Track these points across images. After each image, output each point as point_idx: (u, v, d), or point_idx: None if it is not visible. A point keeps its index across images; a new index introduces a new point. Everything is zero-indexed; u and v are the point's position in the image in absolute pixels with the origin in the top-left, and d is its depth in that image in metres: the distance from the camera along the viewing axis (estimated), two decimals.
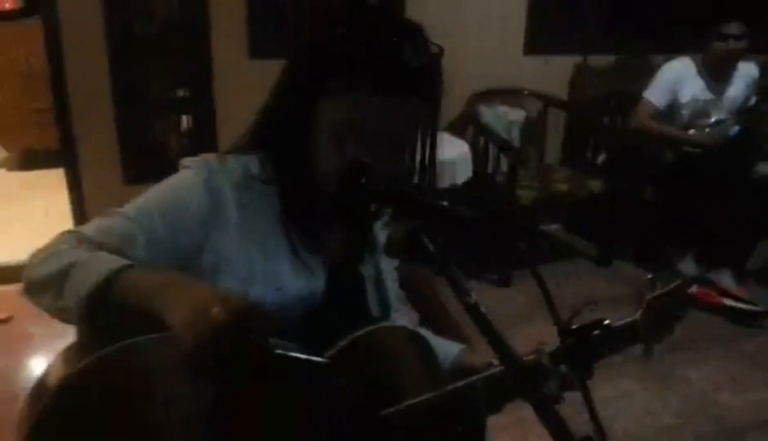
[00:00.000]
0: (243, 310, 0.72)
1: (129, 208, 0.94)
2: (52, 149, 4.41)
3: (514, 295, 3.13)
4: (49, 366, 0.82)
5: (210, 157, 0.99)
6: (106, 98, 3.07)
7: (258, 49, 3.13)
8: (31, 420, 0.74)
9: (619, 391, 2.48)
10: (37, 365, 2.53)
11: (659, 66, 3.47)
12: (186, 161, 0.99)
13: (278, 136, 0.97)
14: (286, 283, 0.96)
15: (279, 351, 0.83)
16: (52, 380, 0.78)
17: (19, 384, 2.40)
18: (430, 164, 0.99)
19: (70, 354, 0.83)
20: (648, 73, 3.81)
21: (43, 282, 0.84)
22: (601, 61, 3.77)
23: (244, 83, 3.12)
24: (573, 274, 3.40)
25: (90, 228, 0.92)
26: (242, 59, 3.13)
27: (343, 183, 0.85)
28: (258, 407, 0.82)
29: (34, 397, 0.78)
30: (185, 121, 3.50)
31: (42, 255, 0.87)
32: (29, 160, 4.83)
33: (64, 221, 3.33)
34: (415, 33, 0.91)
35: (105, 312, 0.80)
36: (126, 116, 3.14)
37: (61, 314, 0.85)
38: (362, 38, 0.88)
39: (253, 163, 0.98)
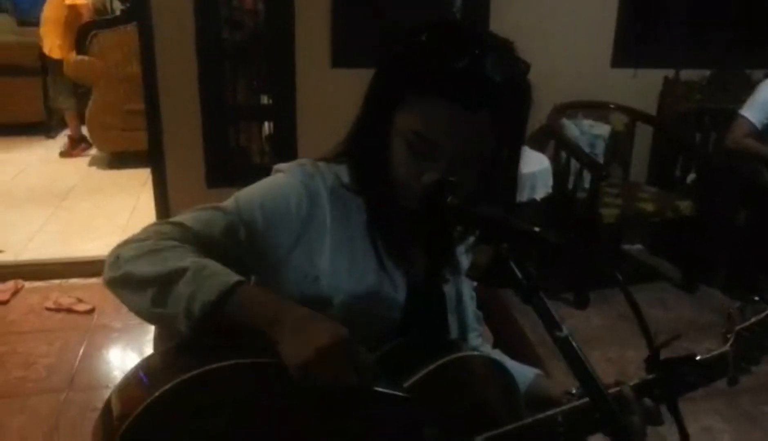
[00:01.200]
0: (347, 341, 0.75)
1: (228, 202, 0.95)
2: (141, 150, 4.64)
3: (591, 317, 3.03)
4: (122, 384, 0.80)
5: (304, 161, 0.99)
6: (194, 103, 3.17)
7: (340, 58, 3.16)
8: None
9: (701, 427, 2.34)
10: (117, 358, 2.64)
11: (758, 81, 3.27)
12: (280, 166, 1.00)
13: (362, 147, 0.96)
14: (369, 294, 0.95)
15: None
16: (128, 402, 0.76)
17: (99, 375, 2.50)
18: (512, 183, 0.96)
19: (142, 375, 0.81)
20: (745, 88, 3.60)
21: (141, 280, 0.82)
22: (693, 74, 3.59)
23: (325, 92, 3.17)
24: (656, 299, 3.26)
25: (189, 219, 0.92)
26: (324, 68, 3.17)
27: (429, 200, 0.83)
28: (332, 434, 0.81)
29: (107, 416, 0.77)
30: (267, 127, 3.58)
31: (138, 247, 0.85)
32: (119, 160, 5.07)
33: (149, 219, 3.44)
34: (499, 47, 0.88)
35: (210, 325, 0.80)
36: (211, 121, 3.23)
37: (152, 321, 0.85)
38: (442, 48, 0.85)
39: (343, 172, 0.98)
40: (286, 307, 0.80)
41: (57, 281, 3.20)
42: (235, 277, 0.81)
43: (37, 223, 3.83)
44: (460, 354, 0.92)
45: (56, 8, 5.11)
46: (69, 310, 2.91)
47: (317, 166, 0.99)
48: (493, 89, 0.83)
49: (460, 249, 1.07)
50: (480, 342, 1.19)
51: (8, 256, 3.36)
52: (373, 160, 0.93)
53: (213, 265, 0.83)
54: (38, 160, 5.31)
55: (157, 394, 0.72)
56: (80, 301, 2.97)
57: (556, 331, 0.64)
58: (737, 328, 1.12)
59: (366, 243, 0.97)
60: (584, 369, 0.64)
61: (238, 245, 0.92)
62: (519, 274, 0.67)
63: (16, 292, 3.06)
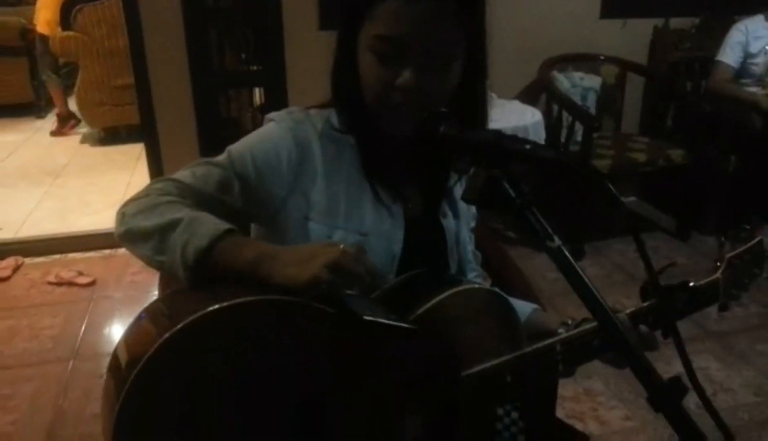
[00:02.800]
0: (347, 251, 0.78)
1: (221, 157, 0.98)
2: (132, 125, 4.62)
3: (587, 269, 3.06)
4: (127, 334, 0.82)
5: (294, 109, 1.02)
6: (183, 74, 3.14)
7: (327, 20, 3.14)
8: (121, 387, 0.73)
9: (695, 367, 2.38)
10: (119, 327, 2.66)
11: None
12: (271, 114, 1.02)
13: (340, 80, 0.98)
14: (368, 228, 0.98)
15: (368, 317, 0.84)
16: (135, 349, 0.77)
17: (103, 344, 2.54)
18: (482, 100, 0.99)
19: (142, 326, 0.83)
20: None
21: (144, 233, 0.86)
22: (682, 23, 3.58)
23: (314, 54, 3.14)
24: (651, 247, 3.30)
25: (185, 175, 0.95)
26: (312, 31, 3.15)
27: (421, 132, 0.85)
28: (339, 369, 0.83)
29: (115, 368, 0.78)
30: (258, 96, 3.56)
31: (139, 204, 0.90)
32: (110, 136, 5.05)
33: None
34: None
35: (206, 272, 0.83)
36: (202, 91, 3.21)
37: (158, 267, 0.88)
38: None
39: (333, 115, 1.01)
40: (275, 247, 0.84)
41: (57, 256, 3.22)
42: (225, 225, 0.85)
43: (32, 201, 3.84)
44: (462, 287, 0.94)
45: None
46: (70, 284, 2.94)
47: (307, 112, 1.01)
48: None
49: (455, 185, 1.09)
50: (480, 282, 1.21)
51: (7, 234, 3.38)
52: (352, 88, 0.95)
53: (205, 216, 0.87)
54: (29, 140, 5.29)
55: (166, 336, 0.72)
56: (81, 274, 2.99)
57: (548, 241, 0.66)
58: (728, 256, 1.15)
59: (360, 179, 0.99)
60: (579, 279, 0.66)
61: (234, 197, 0.95)
62: (512, 193, 0.69)
63: (17, 269, 3.09)
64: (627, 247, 3.28)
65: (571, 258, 0.66)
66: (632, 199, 3.88)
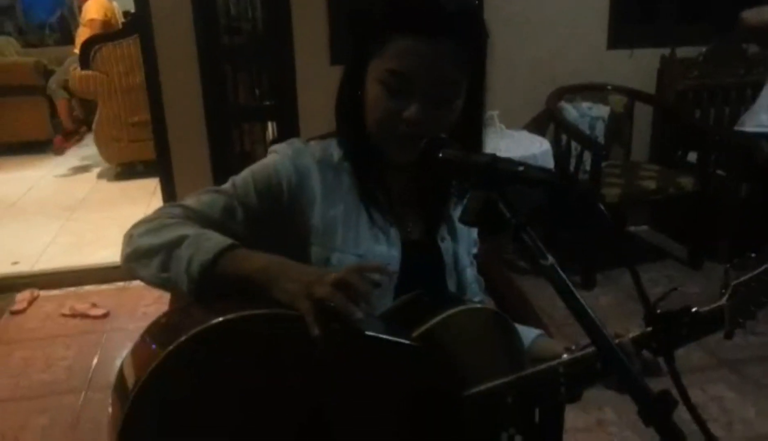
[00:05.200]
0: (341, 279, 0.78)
1: (226, 186, 1.02)
2: (148, 160, 4.71)
3: (598, 297, 3.05)
4: (131, 352, 0.84)
5: (295, 140, 1.07)
6: (198, 110, 3.21)
7: (338, 55, 3.20)
8: (124, 409, 0.75)
9: (710, 396, 2.36)
10: None
11: (754, 54, 3.29)
12: (274, 147, 1.07)
13: (346, 112, 1.03)
14: (364, 251, 1.01)
15: (369, 332, 0.85)
16: (138, 366, 0.79)
17: (113, 377, 2.53)
18: (479, 120, 1.03)
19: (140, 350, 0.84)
20: (742, 62, 3.63)
21: (150, 250, 0.90)
22: (689, 51, 3.60)
23: (326, 89, 3.18)
24: (663, 276, 3.28)
25: (192, 201, 1.00)
26: (324, 66, 3.21)
27: (422, 158, 0.88)
28: (342, 385, 0.84)
29: (120, 384, 0.80)
30: (271, 131, 3.62)
31: (148, 225, 0.94)
32: (127, 171, 5.14)
33: None
34: None
35: (210, 285, 0.85)
36: (216, 127, 3.28)
37: (163, 285, 0.91)
38: None
39: (332, 145, 1.06)
40: (275, 258, 0.87)
41: (71, 289, 3.27)
42: (229, 241, 0.88)
43: (49, 235, 3.90)
44: (464, 307, 0.96)
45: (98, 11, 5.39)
46: (84, 316, 2.97)
47: (307, 143, 1.07)
48: (447, 17, 0.92)
49: (453, 209, 1.11)
50: (481, 302, 1.22)
51: (23, 267, 3.43)
52: (355, 117, 1.00)
53: (211, 233, 0.90)
54: (47, 176, 5.39)
55: (168, 349, 0.75)
56: (95, 306, 3.03)
57: (542, 260, 0.68)
58: (733, 283, 1.15)
59: (357, 204, 1.03)
60: (573, 296, 0.67)
61: (237, 223, 0.99)
62: (507, 214, 0.71)
63: (32, 301, 3.13)
64: (641, 275, 3.25)
65: (564, 276, 0.67)
66: (643, 227, 3.87)
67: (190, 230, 0.90)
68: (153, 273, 0.89)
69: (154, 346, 0.80)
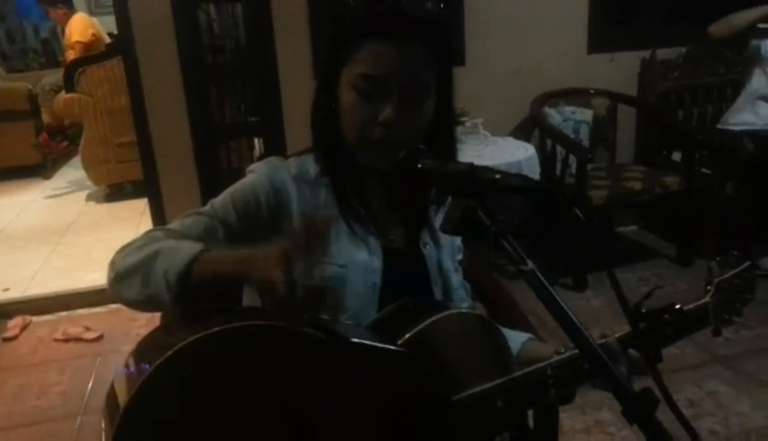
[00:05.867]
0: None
1: (206, 208, 1.04)
2: (136, 180, 4.70)
3: (590, 299, 3.08)
4: (116, 376, 0.83)
5: (272, 158, 1.10)
6: (184, 129, 3.22)
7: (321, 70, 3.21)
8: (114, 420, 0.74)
9: (705, 392, 2.38)
10: None
11: (734, 55, 3.34)
12: (251, 166, 1.10)
13: (321, 124, 1.05)
14: (345, 261, 1.03)
15: (355, 339, 0.86)
16: (128, 387, 0.78)
17: None
18: (451, 126, 1.06)
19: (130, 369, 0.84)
20: (722, 62, 3.68)
21: (130, 271, 0.91)
22: (669, 53, 3.66)
23: (309, 103, 3.21)
24: (653, 275, 3.31)
25: (175, 225, 1.02)
26: (307, 80, 3.23)
27: (400, 170, 0.90)
28: (330, 394, 0.85)
29: (111, 400, 0.80)
30: (258, 148, 3.63)
31: (128, 249, 0.95)
32: (115, 192, 5.13)
33: None
34: None
35: (189, 293, 0.87)
36: (202, 144, 3.29)
37: (148, 302, 0.91)
38: (365, 2, 1.00)
39: (309, 160, 1.09)
40: (244, 250, 0.87)
41: (63, 313, 3.25)
42: (199, 247, 0.89)
43: (39, 261, 3.88)
44: (449, 312, 0.97)
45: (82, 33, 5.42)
46: (77, 339, 2.96)
47: (283, 160, 1.10)
48: (417, 24, 0.97)
49: (437, 217, 1.13)
50: (467, 307, 1.23)
51: (14, 293, 3.40)
52: (331, 128, 1.02)
53: (184, 243, 0.92)
54: (36, 201, 5.36)
55: (151, 369, 0.74)
56: (88, 329, 3.01)
57: (522, 265, 0.69)
58: (716, 280, 1.17)
59: (337, 216, 1.05)
60: (554, 301, 0.68)
61: (219, 242, 1.00)
62: (487, 221, 0.72)
63: (24, 327, 3.11)
64: (631, 274, 3.29)
65: (544, 280, 0.69)
66: (632, 228, 3.91)
67: (164, 244, 0.92)
68: (137, 291, 0.91)
69: (142, 364, 0.80)
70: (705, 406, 2.30)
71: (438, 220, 1.13)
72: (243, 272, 0.84)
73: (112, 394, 0.80)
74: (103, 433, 0.77)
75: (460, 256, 1.20)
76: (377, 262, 1.05)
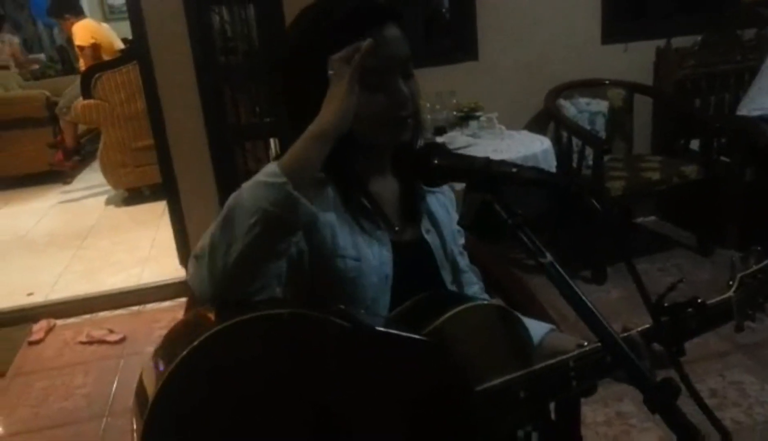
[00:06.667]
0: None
1: None
2: (154, 184, 4.75)
3: (609, 291, 3.06)
4: (145, 367, 0.85)
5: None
6: (200, 132, 3.25)
7: None
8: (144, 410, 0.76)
9: (728, 382, 2.36)
10: None
11: (749, 40, 3.30)
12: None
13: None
14: (361, 254, 1.03)
15: (380, 327, 0.86)
16: (156, 377, 0.79)
17: (132, 401, 2.57)
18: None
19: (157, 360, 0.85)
20: (738, 48, 3.63)
21: (212, 242, 0.86)
22: (684, 41, 3.62)
23: None
24: (673, 265, 3.28)
25: None
26: None
27: (416, 167, 0.91)
28: (354, 383, 0.85)
29: (140, 393, 0.82)
30: (273, 148, 3.65)
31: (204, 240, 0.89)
32: (134, 196, 5.19)
33: (169, 250, 3.56)
34: None
35: (285, 216, 0.85)
36: (218, 146, 3.31)
37: (244, 257, 0.84)
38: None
39: None
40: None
41: (87, 316, 3.30)
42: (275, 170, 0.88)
43: (61, 265, 3.94)
44: (470, 303, 0.97)
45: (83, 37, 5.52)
46: (101, 342, 3.00)
47: None
48: (384, 6, 1.04)
49: (437, 200, 1.16)
50: (487, 298, 1.24)
51: (38, 298, 3.46)
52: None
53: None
54: (56, 207, 5.44)
55: (182, 354, 0.75)
56: (111, 331, 3.06)
57: (541, 258, 0.69)
58: (740, 275, 1.16)
59: (344, 213, 1.05)
60: (572, 291, 0.68)
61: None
62: (504, 214, 0.73)
63: (49, 330, 3.16)
64: (650, 265, 3.26)
65: (563, 272, 0.69)
66: (651, 218, 3.88)
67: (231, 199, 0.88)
68: (222, 256, 0.84)
69: (169, 355, 0.81)
70: (728, 396, 2.28)
71: (434, 203, 1.16)
72: (328, 127, 0.87)
73: (140, 387, 0.82)
74: (134, 422, 0.79)
75: (462, 240, 1.21)
76: (387, 254, 1.06)
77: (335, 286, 1.02)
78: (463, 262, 1.20)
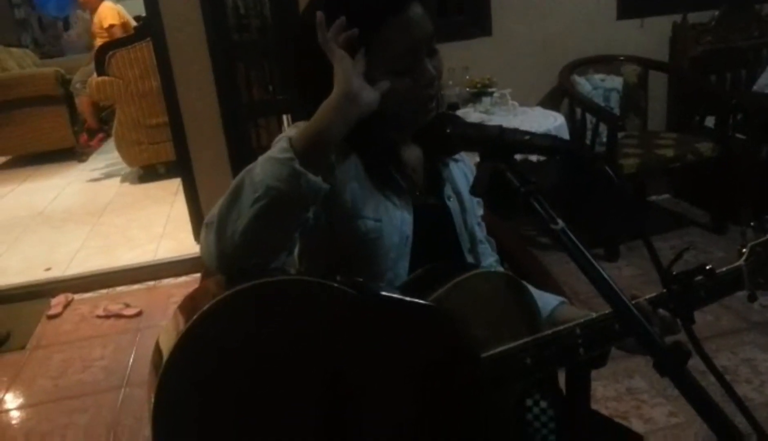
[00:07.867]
0: None
1: None
2: (169, 161, 4.79)
3: (621, 268, 3.06)
4: (162, 331, 0.87)
5: (301, 123, 1.07)
6: (213, 109, 3.27)
7: None
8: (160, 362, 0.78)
9: (740, 359, 2.36)
10: None
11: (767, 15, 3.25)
12: (281, 136, 1.08)
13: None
14: (382, 215, 1.04)
15: (384, 293, 0.87)
16: (169, 338, 0.82)
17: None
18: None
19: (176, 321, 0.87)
20: (756, 24, 3.58)
21: (220, 213, 0.86)
22: (701, 16, 3.56)
23: None
24: (688, 242, 3.27)
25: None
26: None
27: (430, 136, 0.91)
28: (361, 349, 0.87)
29: (156, 354, 0.84)
30: (286, 122, 3.66)
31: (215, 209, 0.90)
32: (149, 173, 5.23)
33: (184, 226, 3.60)
34: None
35: (290, 191, 0.85)
36: (232, 124, 3.33)
37: (248, 230, 0.85)
38: None
39: None
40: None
41: (104, 291, 3.36)
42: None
43: (78, 241, 4.00)
44: (477, 271, 0.99)
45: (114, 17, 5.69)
46: (118, 316, 3.05)
47: None
48: None
49: (459, 168, 1.16)
50: (498, 267, 1.25)
51: (56, 272, 3.52)
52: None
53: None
54: (73, 184, 5.50)
55: (192, 319, 0.77)
56: (128, 306, 3.11)
57: (553, 224, 0.70)
58: (751, 244, 1.16)
59: (366, 178, 1.05)
60: (584, 258, 0.69)
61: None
62: (516, 182, 0.73)
63: (67, 305, 3.22)
64: (664, 243, 3.25)
65: (575, 238, 0.70)
66: (665, 196, 3.85)
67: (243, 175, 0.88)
68: (236, 223, 0.85)
69: (182, 318, 0.83)
70: (740, 373, 2.29)
71: (456, 170, 1.16)
72: (329, 113, 0.87)
73: (156, 350, 0.84)
74: (148, 384, 0.81)
75: (481, 211, 1.22)
76: (408, 216, 1.07)
77: (357, 248, 1.03)
78: (481, 233, 1.20)
